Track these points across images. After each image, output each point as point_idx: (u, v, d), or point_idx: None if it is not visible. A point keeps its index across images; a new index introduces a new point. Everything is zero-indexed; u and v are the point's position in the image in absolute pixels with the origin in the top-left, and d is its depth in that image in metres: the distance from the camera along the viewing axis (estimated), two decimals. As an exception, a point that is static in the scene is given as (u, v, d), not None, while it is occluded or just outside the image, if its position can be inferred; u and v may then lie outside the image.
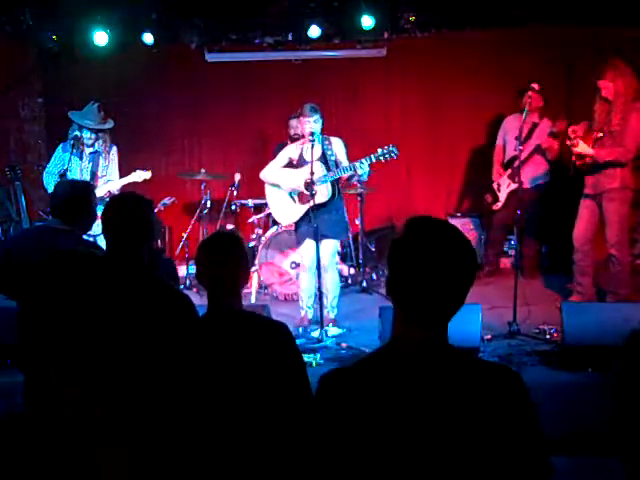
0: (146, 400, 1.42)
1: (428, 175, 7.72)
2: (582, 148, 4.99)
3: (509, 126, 6.51)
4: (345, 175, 4.98)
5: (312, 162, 4.83)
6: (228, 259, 2.34)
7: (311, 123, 4.97)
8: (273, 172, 5.28)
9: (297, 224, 5.29)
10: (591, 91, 5.12)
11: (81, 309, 1.35)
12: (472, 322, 4.11)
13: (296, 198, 5.22)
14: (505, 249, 6.86)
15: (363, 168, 4.87)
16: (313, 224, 4.84)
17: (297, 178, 5.15)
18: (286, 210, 5.29)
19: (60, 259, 1.40)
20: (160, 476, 1.29)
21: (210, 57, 7.36)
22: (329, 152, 5.08)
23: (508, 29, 6.88)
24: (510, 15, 6.62)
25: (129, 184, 5.55)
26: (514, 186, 6.19)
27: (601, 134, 4.99)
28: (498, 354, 4.39)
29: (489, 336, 4.63)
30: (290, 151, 5.28)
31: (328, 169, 5.01)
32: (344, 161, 5.09)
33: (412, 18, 6.77)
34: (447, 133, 7.57)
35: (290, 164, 5.27)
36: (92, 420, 1.30)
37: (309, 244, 5.11)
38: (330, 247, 5.14)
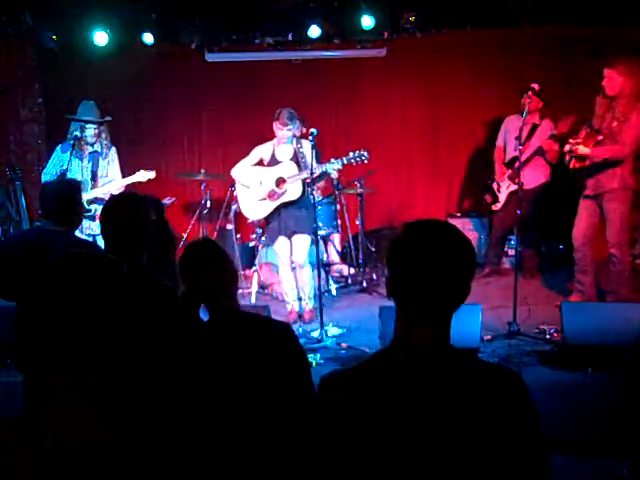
0: (149, 400, 1.42)
1: (428, 175, 7.72)
2: (581, 150, 5.02)
3: (510, 126, 6.50)
4: (316, 174, 5.15)
5: (312, 163, 4.99)
6: (212, 265, 2.32)
7: (284, 131, 5.19)
8: (244, 171, 5.42)
9: (267, 221, 5.47)
10: (591, 92, 5.13)
11: (94, 311, 1.34)
12: (472, 322, 4.11)
13: (266, 195, 5.34)
14: (505, 249, 6.86)
15: (334, 169, 5.13)
16: (287, 220, 5.17)
17: (268, 177, 5.31)
18: (256, 205, 5.42)
19: (74, 260, 1.39)
20: (164, 476, 1.29)
21: (210, 57, 7.36)
22: (300, 154, 5.25)
23: (508, 29, 6.88)
24: (510, 15, 6.62)
25: (131, 184, 5.55)
26: (514, 187, 6.18)
27: (601, 137, 4.99)
28: (498, 354, 4.39)
29: (489, 336, 4.63)
30: (262, 150, 5.40)
31: (299, 169, 5.19)
32: (313, 163, 5.24)
33: (412, 18, 6.77)
34: (447, 133, 7.57)
35: (260, 163, 5.41)
36: (97, 422, 1.30)
37: (282, 241, 5.33)
38: (303, 243, 5.28)
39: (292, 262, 5.42)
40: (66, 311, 1.32)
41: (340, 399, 1.48)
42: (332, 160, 5.09)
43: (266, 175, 5.33)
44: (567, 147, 5.14)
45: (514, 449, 1.44)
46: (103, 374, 1.34)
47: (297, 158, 5.25)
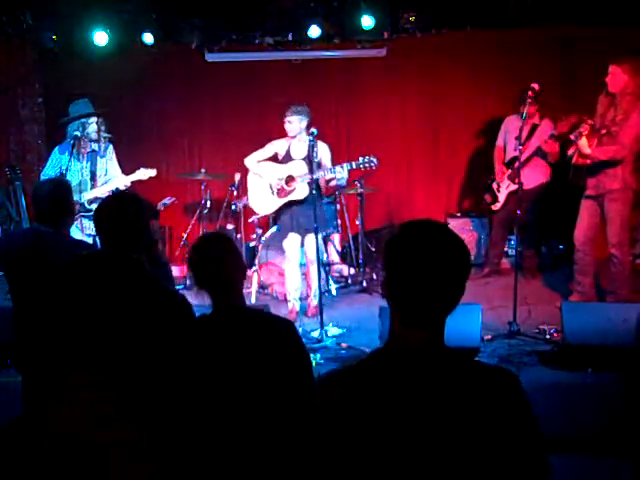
0: (154, 399, 1.42)
1: (428, 175, 7.72)
2: (583, 144, 4.98)
3: (509, 126, 6.50)
4: (325, 177, 5.31)
5: (313, 160, 5.07)
6: (223, 257, 2.34)
7: (286, 124, 5.33)
8: (257, 162, 5.53)
9: (277, 215, 5.58)
10: (591, 93, 5.13)
11: (121, 308, 1.35)
12: (472, 322, 4.11)
13: (275, 191, 5.44)
14: (505, 249, 6.87)
15: (342, 173, 5.28)
16: (297, 218, 5.27)
17: (280, 173, 5.41)
18: (264, 200, 5.53)
19: (95, 260, 1.40)
20: (169, 472, 1.29)
21: (210, 57, 7.37)
22: (314, 154, 5.28)
23: (508, 29, 6.89)
24: (510, 15, 6.62)
25: (132, 182, 5.53)
26: (514, 187, 6.18)
27: (605, 130, 4.98)
28: (498, 354, 4.39)
29: (489, 336, 4.63)
30: (277, 146, 5.51)
31: (310, 169, 5.22)
32: (328, 164, 5.37)
33: (412, 18, 6.78)
34: (447, 133, 7.57)
35: (275, 158, 5.50)
36: (106, 422, 1.30)
37: (293, 237, 5.42)
38: (315, 241, 5.26)
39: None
40: (94, 309, 1.34)
41: (336, 399, 1.48)
42: (342, 165, 5.20)
43: (277, 171, 5.43)
44: (572, 136, 5.09)
45: (511, 450, 1.43)
46: (117, 371, 1.35)
47: (310, 158, 5.28)
